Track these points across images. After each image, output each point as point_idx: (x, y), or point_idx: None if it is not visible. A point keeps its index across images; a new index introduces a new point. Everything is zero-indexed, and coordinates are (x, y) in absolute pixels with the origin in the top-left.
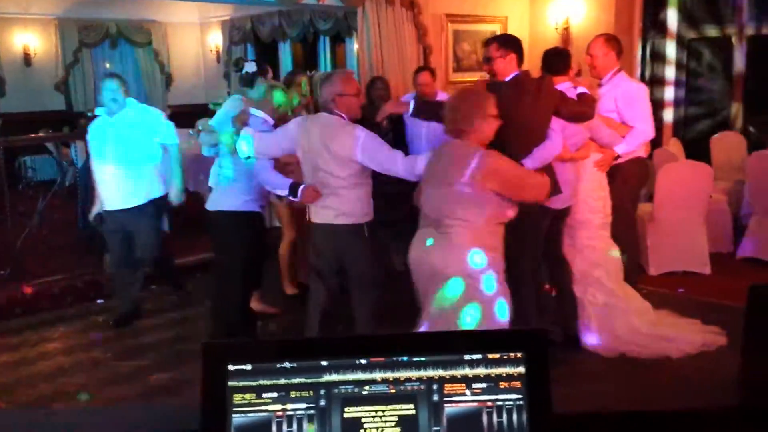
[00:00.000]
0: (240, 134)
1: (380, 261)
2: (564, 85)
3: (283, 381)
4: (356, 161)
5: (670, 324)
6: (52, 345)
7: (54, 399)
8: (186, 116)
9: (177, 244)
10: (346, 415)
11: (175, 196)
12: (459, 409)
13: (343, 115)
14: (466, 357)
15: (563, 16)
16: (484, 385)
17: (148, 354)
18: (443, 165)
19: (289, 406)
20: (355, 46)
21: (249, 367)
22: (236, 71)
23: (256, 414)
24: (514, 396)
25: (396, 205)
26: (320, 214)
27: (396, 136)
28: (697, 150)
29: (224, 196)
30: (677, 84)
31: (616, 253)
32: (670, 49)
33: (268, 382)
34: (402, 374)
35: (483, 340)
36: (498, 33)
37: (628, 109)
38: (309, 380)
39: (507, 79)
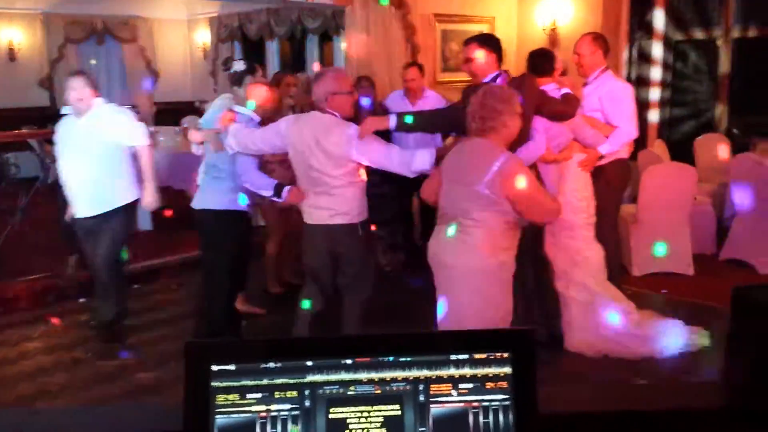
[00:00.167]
0: (229, 130)
1: (373, 262)
2: (549, 86)
3: (267, 381)
4: (351, 159)
5: (653, 325)
6: (32, 344)
7: (36, 398)
8: (172, 113)
9: (162, 242)
10: (331, 416)
11: (148, 202)
12: (445, 409)
13: (336, 114)
14: (453, 357)
15: (551, 17)
16: (471, 385)
17: (130, 353)
18: (464, 164)
19: (273, 407)
20: (343, 44)
21: (232, 367)
22: (224, 70)
23: (240, 415)
24: (500, 396)
25: (383, 205)
26: (315, 214)
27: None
28: (682, 151)
29: (210, 194)
30: (663, 85)
31: (598, 253)
32: (657, 51)
33: (252, 383)
34: (388, 374)
35: (469, 340)
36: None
37: (613, 109)
38: (293, 380)
39: (486, 79)
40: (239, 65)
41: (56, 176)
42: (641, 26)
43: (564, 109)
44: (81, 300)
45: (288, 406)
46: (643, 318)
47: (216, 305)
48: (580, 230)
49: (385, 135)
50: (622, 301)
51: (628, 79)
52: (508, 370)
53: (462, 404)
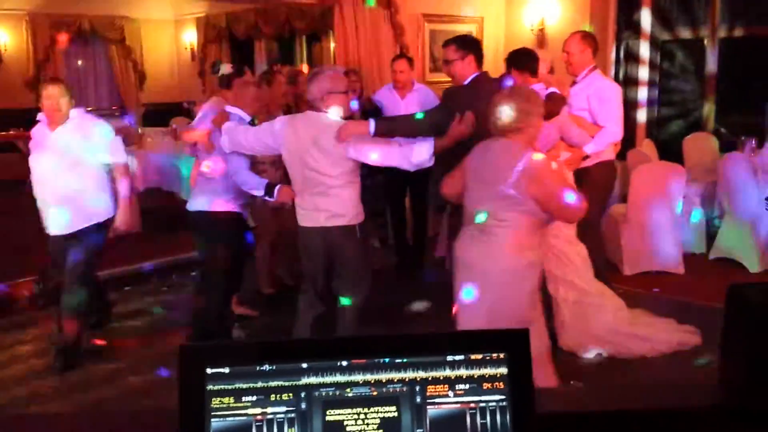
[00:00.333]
0: (222, 129)
1: (370, 264)
2: (536, 86)
3: (262, 384)
4: (349, 158)
5: (645, 323)
6: (25, 347)
7: (28, 402)
8: (160, 114)
9: (152, 244)
10: (327, 418)
11: (121, 222)
12: (442, 410)
13: None
14: (449, 358)
15: (539, 17)
16: (467, 386)
17: (122, 357)
18: (489, 164)
19: (269, 410)
20: (332, 44)
21: (227, 370)
22: (213, 73)
23: (235, 418)
24: (497, 397)
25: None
26: (311, 217)
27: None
28: (670, 151)
29: (204, 195)
30: (651, 85)
31: (581, 252)
32: (644, 50)
33: (247, 385)
34: (384, 376)
35: (465, 341)
36: (474, 33)
37: (600, 108)
38: (289, 383)
39: (467, 81)
40: (226, 68)
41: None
42: (628, 26)
43: (548, 108)
44: None
45: (284, 409)
46: (635, 317)
47: (211, 306)
48: (563, 229)
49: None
50: (612, 298)
51: (616, 79)
52: (504, 370)
53: (459, 405)
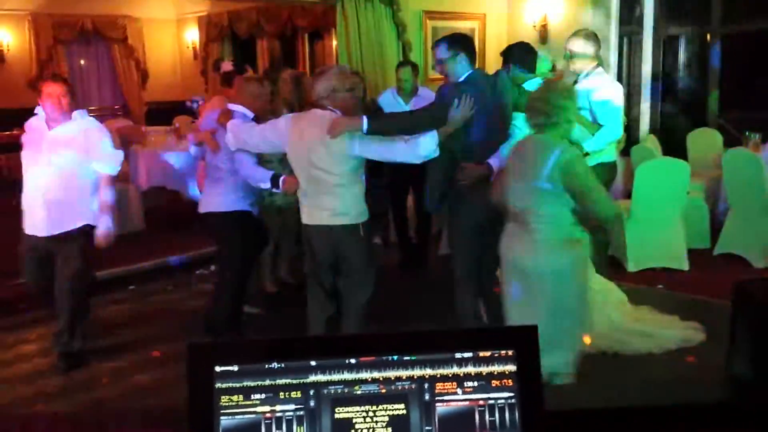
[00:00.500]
0: (227, 127)
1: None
2: (535, 81)
3: (271, 382)
4: (353, 156)
5: (649, 320)
6: (29, 347)
7: (34, 401)
8: (163, 113)
9: (156, 243)
10: (336, 416)
11: (101, 234)
12: (451, 408)
13: (337, 111)
14: (457, 355)
15: (541, 14)
16: (476, 383)
17: (127, 355)
18: (525, 160)
19: (277, 408)
20: (334, 42)
21: (236, 368)
22: (216, 71)
23: (244, 416)
24: (506, 394)
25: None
26: (315, 215)
27: None
28: (675, 146)
29: (213, 197)
30: (654, 80)
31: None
32: (647, 46)
33: (256, 383)
34: (392, 374)
35: (474, 338)
36: (476, 30)
37: (600, 107)
38: (298, 381)
39: (461, 79)
40: (227, 66)
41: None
42: (631, 21)
43: None
44: None
45: (293, 407)
46: (639, 314)
47: (220, 305)
48: None
49: None
50: (615, 294)
51: (619, 75)
52: (512, 367)
53: (467, 402)
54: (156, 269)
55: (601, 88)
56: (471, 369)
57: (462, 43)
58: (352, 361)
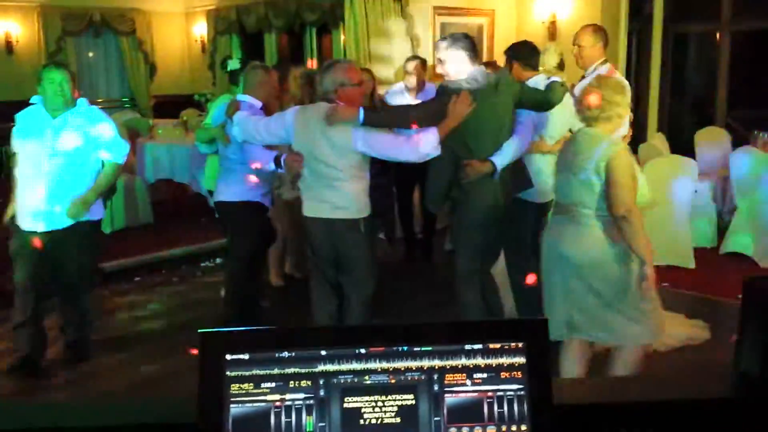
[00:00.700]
0: (234, 120)
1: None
2: (538, 77)
3: (281, 371)
4: (356, 151)
5: None
6: None
7: (39, 392)
8: (170, 106)
9: (163, 235)
10: (345, 405)
11: (73, 207)
12: (459, 399)
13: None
14: (467, 347)
15: (550, 11)
16: (485, 375)
17: (133, 346)
18: (574, 153)
19: (287, 396)
20: (342, 37)
21: (247, 356)
22: (222, 69)
23: (255, 404)
24: (515, 386)
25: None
26: (315, 208)
27: None
28: (682, 144)
29: (226, 186)
30: (663, 78)
31: None
32: (656, 44)
33: (266, 372)
34: (402, 364)
35: (483, 330)
36: (485, 26)
37: None
38: (307, 370)
39: (461, 77)
40: (234, 63)
41: None
42: (640, 19)
43: (546, 98)
44: None
45: (302, 396)
46: None
47: (232, 292)
48: None
49: None
50: None
51: (628, 72)
52: (522, 360)
53: (476, 394)
54: (162, 261)
55: None
56: (480, 360)
57: (463, 41)
58: (362, 351)
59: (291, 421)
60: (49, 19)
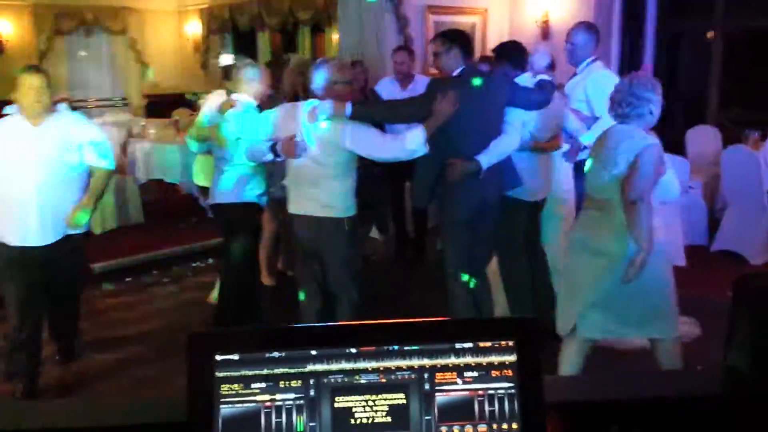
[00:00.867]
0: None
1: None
2: (524, 76)
3: (271, 371)
4: (345, 148)
5: None
6: None
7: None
8: (163, 106)
9: (154, 235)
10: (336, 405)
11: (71, 217)
12: (450, 398)
13: None
14: (458, 346)
15: (543, 9)
16: (476, 373)
17: (123, 347)
18: (608, 149)
19: (278, 396)
20: (335, 36)
21: (236, 357)
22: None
23: (245, 405)
24: (505, 384)
25: (374, 187)
26: (300, 205)
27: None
28: (674, 143)
29: (222, 188)
30: (655, 77)
31: None
32: (649, 43)
33: (256, 372)
34: (392, 363)
35: (474, 329)
36: (478, 25)
37: (596, 98)
38: (298, 370)
39: (454, 73)
40: (226, 60)
41: None
42: (633, 18)
43: (536, 97)
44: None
45: (293, 396)
46: None
47: (224, 295)
48: (564, 223)
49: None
50: None
51: (621, 72)
52: (512, 358)
53: (467, 393)
54: (153, 261)
55: (598, 81)
56: (471, 359)
57: (457, 37)
58: (353, 350)
59: (281, 422)
60: (41, 17)
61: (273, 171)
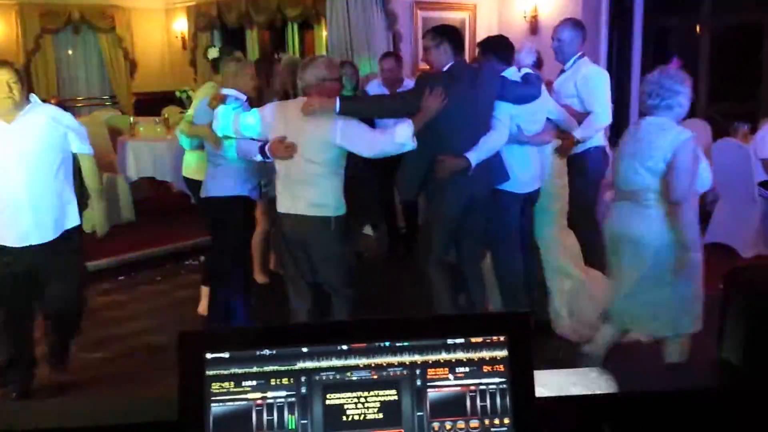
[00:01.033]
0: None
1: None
2: (510, 69)
3: (262, 368)
4: (335, 145)
5: None
6: None
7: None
8: (151, 104)
9: (145, 233)
10: (327, 402)
11: (100, 226)
12: (442, 393)
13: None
14: (449, 341)
15: (532, 5)
16: (467, 369)
17: (115, 345)
18: (641, 141)
19: (269, 394)
20: (324, 33)
21: (227, 355)
22: (205, 57)
23: (235, 403)
24: (497, 380)
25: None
26: (288, 203)
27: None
28: None
29: (213, 183)
30: (644, 72)
31: (573, 239)
32: (637, 38)
33: (247, 370)
34: (384, 360)
35: (465, 324)
36: (467, 21)
37: (587, 93)
38: (289, 367)
39: (444, 68)
40: (213, 52)
41: None
42: (621, 14)
43: (527, 91)
44: None
45: (284, 393)
46: None
47: (217, 292)
48: (558, 218)
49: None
50: (606, 284)
51: (609, 67)
52: (504, 353)
53: (459, 388)
54: (145, 260)
55: (587, 76)
56: (462, 355)
57: (447, 32)
58: (344, 347)
59: (273, 419)
60: (28, 16)
61: (267, 167)
